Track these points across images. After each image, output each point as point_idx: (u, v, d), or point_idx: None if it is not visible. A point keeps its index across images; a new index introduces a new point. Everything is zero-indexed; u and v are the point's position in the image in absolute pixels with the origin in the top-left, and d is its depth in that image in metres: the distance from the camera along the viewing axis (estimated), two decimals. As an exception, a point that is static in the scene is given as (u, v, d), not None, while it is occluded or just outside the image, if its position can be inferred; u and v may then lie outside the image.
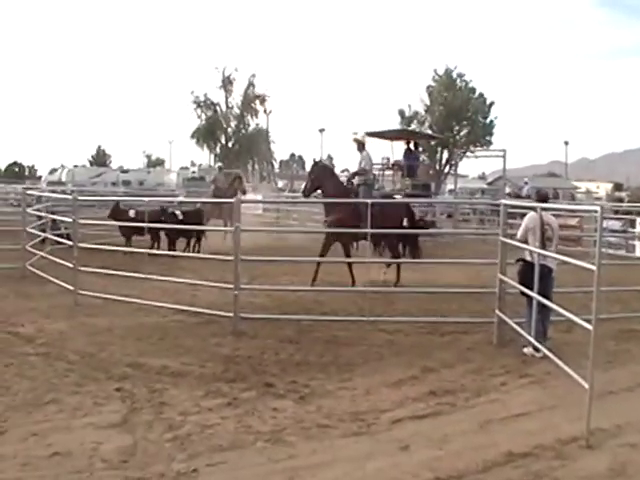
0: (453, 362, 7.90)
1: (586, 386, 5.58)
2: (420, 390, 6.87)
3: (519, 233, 8.44)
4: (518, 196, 26.61)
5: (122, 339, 8.68)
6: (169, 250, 16.19)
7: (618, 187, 68.74)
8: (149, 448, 5.33)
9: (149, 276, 10.53)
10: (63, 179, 41.71)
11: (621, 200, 29.63)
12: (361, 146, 13.75)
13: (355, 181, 13.58)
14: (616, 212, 21.11)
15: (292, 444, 5.48)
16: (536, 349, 7.79)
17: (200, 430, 5.71)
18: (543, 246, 7.94)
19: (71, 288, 10.83)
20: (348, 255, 12.98)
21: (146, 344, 8.50)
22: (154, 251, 14.64)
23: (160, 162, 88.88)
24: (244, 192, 19.70)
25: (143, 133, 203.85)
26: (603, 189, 69.38)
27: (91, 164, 76.37)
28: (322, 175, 13.14)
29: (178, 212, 17.30)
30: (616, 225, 20.17)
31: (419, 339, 8.97)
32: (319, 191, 13.38)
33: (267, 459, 5.19)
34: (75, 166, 49.46)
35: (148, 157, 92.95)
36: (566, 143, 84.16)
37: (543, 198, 8.82)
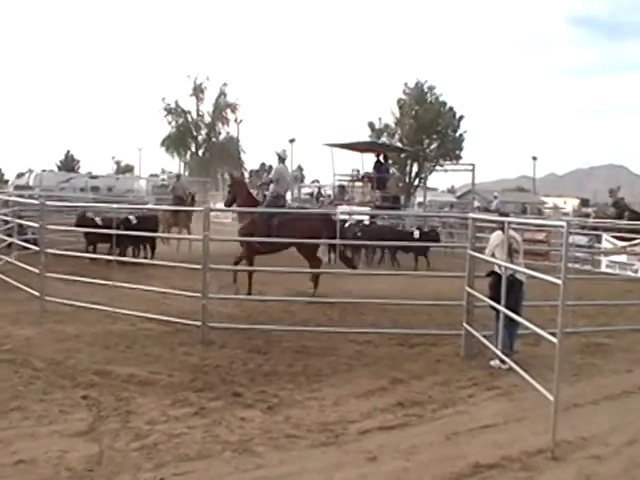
0: (422, 374, 7.94)
1: (552, 399, 5.63)
2: (388, 401, 6.88)
3: (487, 251, 8.55)
4: (487, 210, 26.93)
5: (89, 346, 8.57)
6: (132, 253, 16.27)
7: (585, 203, 69.61)
8: (115, 457, 5.27)
9: (117, 283, 10.45)
10: (31, 183, 41.15)
11: (587, 216, 29.97)
12: (280, 160, 14.40)
13: (268, 191, 14.32)
14: (583, 228, 21.39)
15: (260, 454, 5.45)
16: (503, 362, 7.87)
17: (167, 439, 5.65)
18: (511, 259, 8.05)
19: (38, 294, 10.68)
20: (250, 264, 13.15)
21: (114, 352, 8.41)
22: (123, 258, 14.54)
23: (129, 169, 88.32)
24: None
25: (113, 139, 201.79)
26: (570, 205, 70.24)
27: (59, 169, 75.53)
28: (236, 189, 14.10)
29: (132, 217, 17.17)
30: (583, 240, 20.47)
31: (388, 350, 8.99)
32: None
33: (235, 469, 5.17)
34: (43, 170, 48.80)
35: (117, 163, 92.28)
36: (534, 158, 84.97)
37: (504, 216, 9.21)
